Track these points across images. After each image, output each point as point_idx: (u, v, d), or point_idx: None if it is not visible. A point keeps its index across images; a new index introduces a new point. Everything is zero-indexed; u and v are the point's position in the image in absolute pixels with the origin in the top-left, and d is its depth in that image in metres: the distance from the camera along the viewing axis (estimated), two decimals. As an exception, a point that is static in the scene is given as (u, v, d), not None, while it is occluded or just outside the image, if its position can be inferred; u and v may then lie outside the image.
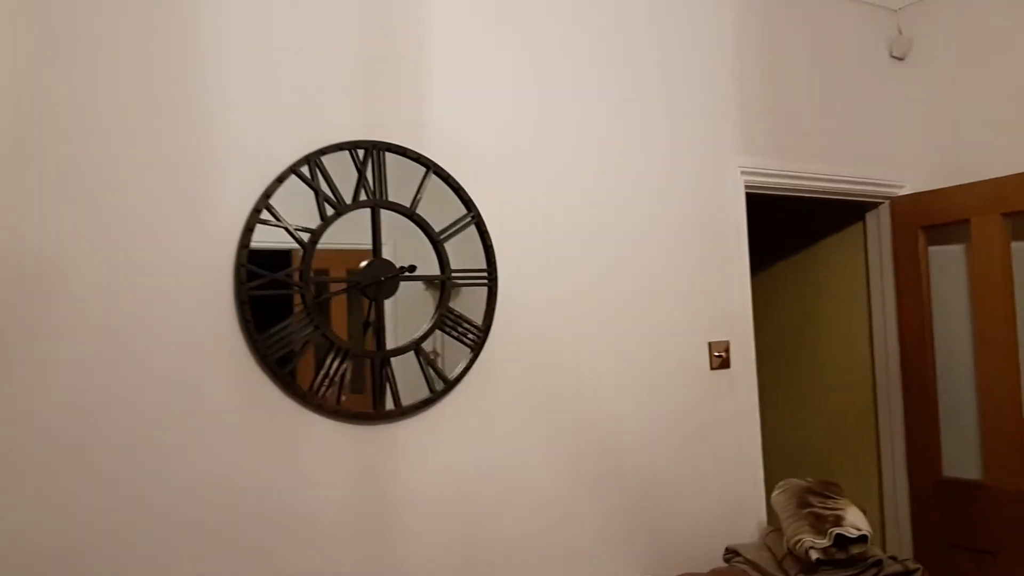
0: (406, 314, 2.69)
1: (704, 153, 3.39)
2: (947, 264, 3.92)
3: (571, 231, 3.04)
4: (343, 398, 2.56)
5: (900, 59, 4.06)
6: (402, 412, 2.65)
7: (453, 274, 2.76)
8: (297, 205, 2.52)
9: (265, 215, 2.46)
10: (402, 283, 2.67)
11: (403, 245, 2.68)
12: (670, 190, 3.29)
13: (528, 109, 2.98)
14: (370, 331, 2.63)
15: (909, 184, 4.02)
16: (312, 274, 2.52)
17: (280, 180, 2.49)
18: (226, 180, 2.42)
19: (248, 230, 2.43)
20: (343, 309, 2.62)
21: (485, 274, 2.83)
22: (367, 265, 2.62)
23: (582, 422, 3.01)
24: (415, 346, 2.68)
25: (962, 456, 3.83)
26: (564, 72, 3.07)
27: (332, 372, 2.54)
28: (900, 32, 4.06)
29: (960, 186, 3.68)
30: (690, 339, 3.31)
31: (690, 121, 3.36)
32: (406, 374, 2.67)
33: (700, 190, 3.37)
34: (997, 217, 3.52)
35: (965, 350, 3.87)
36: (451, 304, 2.74)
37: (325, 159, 2.56)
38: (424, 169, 2.73)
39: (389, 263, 2.65)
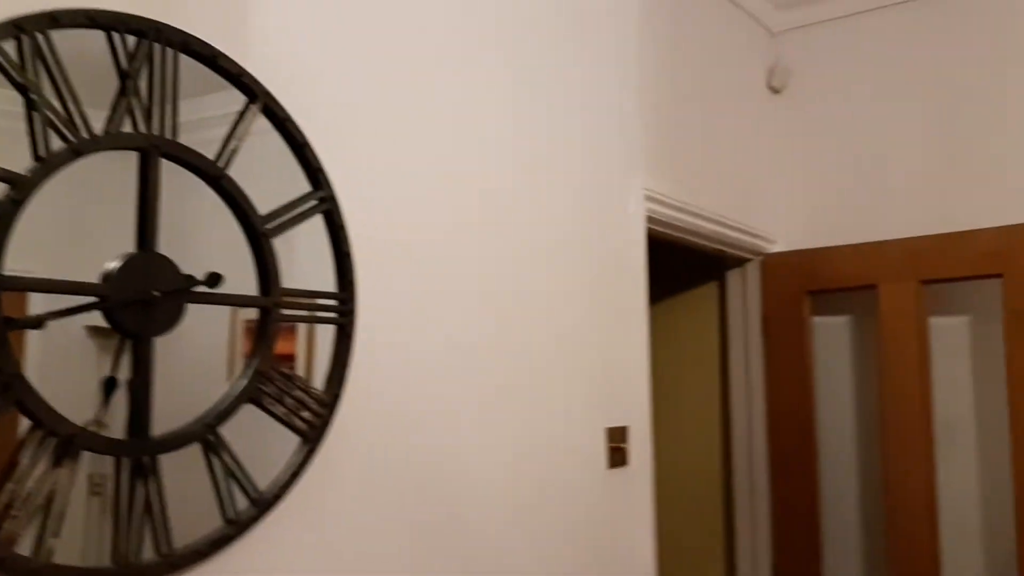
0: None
1: (604, 167, 2.43)
2: (827, 338, 3.29)
3: (457, 252, 1.90)
4: (52, 541, 1.19)
5: (778, 91, 3.43)
6: (173, 564, 1.32)
7: (286, 297, 1.51)
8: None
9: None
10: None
11: (181, 237, 1.38)
12: (571, 209, 2.28)
13: (411, 45, 1.83)
14: (110, 401, 1.29)
15: (781, 241, 3.36)
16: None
17: (-51, 58, 1.12)
18: None
19: None
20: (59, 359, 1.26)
21: (336, 303, 1.60)
22: (124, 266, 1.29)
23: (466, 555, 1.84)
24: (205, 432, 1.38)
25: (852, 565, 3.16)
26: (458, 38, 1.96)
27: (30, 489, 1.17)
28: (778, 61, 3.43)
29: (863, 245, 3.06)
30: (586, 425, 2.28)
31: (592, 122, 2.39)
32: (180, 487, 1.35)
33: (598, 213, 2.39)
34: (914, 285, 2.91)
35: (846, 442, 3.25)
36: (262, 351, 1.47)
37: (56, 37, 1.23)
38: (245, 100, 1.47)
39: (168, 264, 1.34)
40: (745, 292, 3.37)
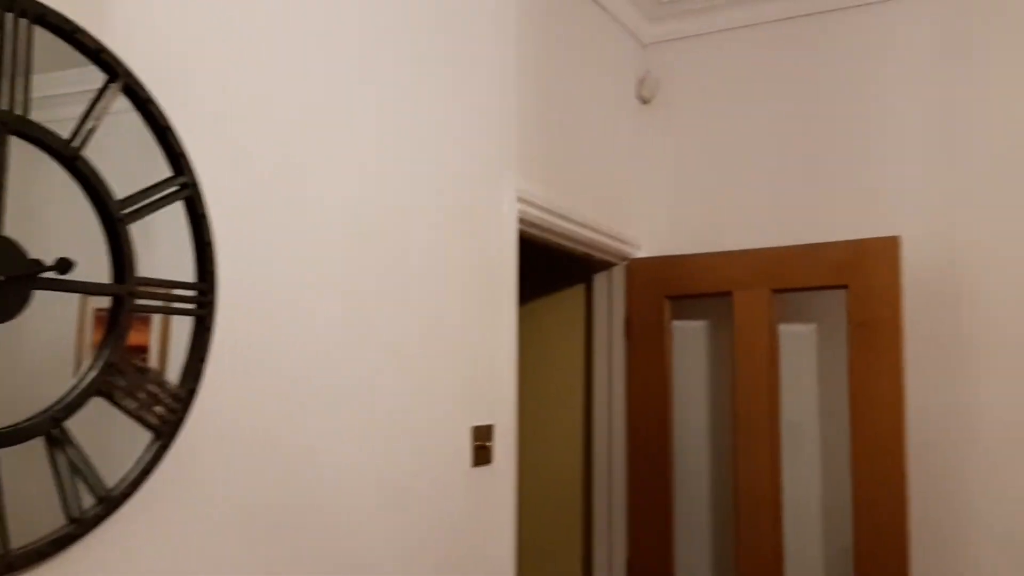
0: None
1: (478, 166, 2.44)
2: (686, 341, 3.42)
3: (326, 246, 1.87)
4: None
5: (647, 102, 3.54)
6: (10, 565, 1.25)
7: (141, 287, 1.45)
8: None
9: None
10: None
11: (30, 220, 1.30)
12: (444, 208, 2.28)
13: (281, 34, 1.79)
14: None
15: (645, 246, 3.47)
16: None
17: None
18: None
19: None
20: None
21: (196, 294, 1.55)
22: (-38, 247, 1.21)
23: (325, 553, 1.81)
24: (50, 426, 1.31)
25: (702, 562, 3.29)
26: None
27: None
28: (648, 72, 3.54)
29: (720, 254, 3.19)
30: (452, 423, 2.29)
31: (466, 121, 2.40)
32: (21, 483, 1.28)
33: (471, 212, 2.41)
34: (767, 293, 3.06)
35: (700, 442, 3.38)
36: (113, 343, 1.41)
37: None
38: (105, 78, 1.40)
39: (14, 248, 1.26)
40: (611, 295, 3.46)
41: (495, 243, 2.50)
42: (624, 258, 3.40)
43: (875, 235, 3.01)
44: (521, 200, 2.61)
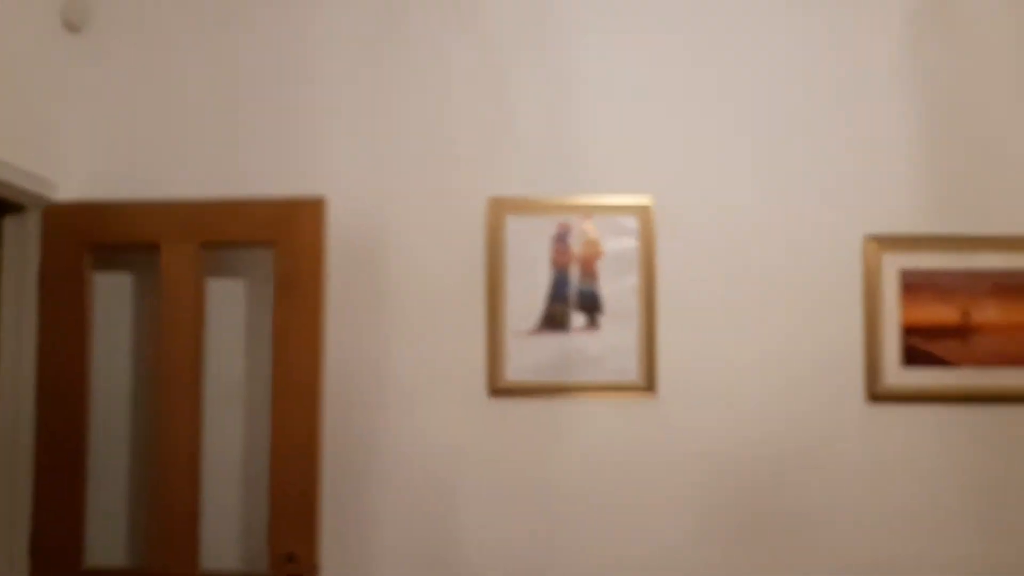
0: None
1: None
2: (111, 296, 3.18)
3: None
4: None
5: (73, 29, 3.18)
6: None
7: None
8: None
9: None
10: None
11: None
12: None
13: None
14: None
15: (68, 188, 3.14)
16: None
17: None
18: None
19: None
20: None
21: None
22: None
23: None
24: None
25: (116, 537, 3.10)
26: None
27: None
28: (76, -5, 3.18)
29: (148, 203, 3.01)
30: None
31: None
32: None
33: None
34: (195, 247, 2.96)
35: (122, 402, 3.19)
36: None
37: None
38: None
39: None
40: (23, 242, 3.07)
41: None
42: (42, 201, 3.04)
43: (306, 194, 3.09)
44: None
